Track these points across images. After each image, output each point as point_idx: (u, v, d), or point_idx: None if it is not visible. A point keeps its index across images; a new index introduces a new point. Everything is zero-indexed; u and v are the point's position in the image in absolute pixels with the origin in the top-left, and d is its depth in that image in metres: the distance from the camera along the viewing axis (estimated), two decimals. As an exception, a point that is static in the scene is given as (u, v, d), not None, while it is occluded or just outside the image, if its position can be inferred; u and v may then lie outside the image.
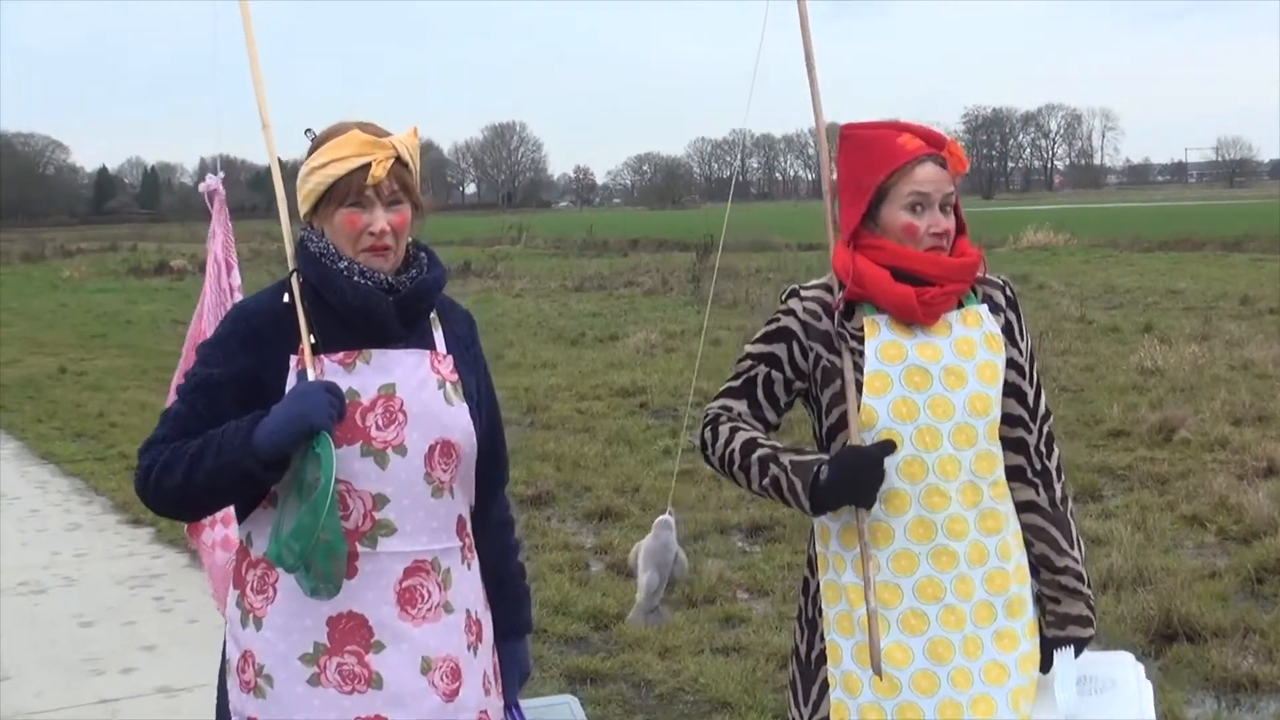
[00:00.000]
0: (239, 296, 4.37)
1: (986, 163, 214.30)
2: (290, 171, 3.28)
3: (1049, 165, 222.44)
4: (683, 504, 10.08)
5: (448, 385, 3.18)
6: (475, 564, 3.31)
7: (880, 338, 3.27)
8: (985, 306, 3.35)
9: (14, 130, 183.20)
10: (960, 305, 3.32)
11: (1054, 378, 14.80)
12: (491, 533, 3.42)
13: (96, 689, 6.81)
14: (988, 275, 3.41)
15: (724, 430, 3.39)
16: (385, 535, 3.06)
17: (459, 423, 3.16)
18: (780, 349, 3.39)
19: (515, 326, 23.41)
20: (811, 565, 3.45)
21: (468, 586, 3.24)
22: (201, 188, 4.37)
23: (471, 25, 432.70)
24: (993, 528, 3.25)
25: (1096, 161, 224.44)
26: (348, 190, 3.06)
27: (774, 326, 3.41)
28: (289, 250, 3.22)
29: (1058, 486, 3.35)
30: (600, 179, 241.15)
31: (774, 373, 3.41)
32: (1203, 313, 21.32)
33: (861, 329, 3.29)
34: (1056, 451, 3.39)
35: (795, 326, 3.37)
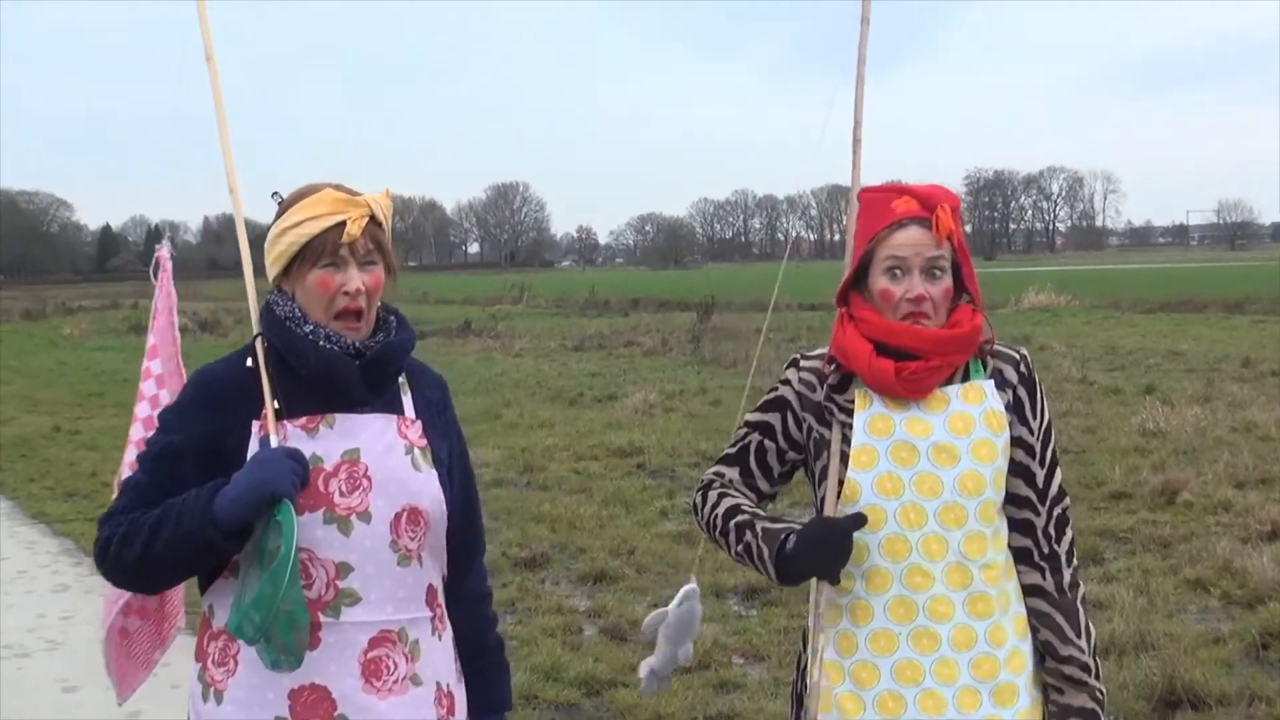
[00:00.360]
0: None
1: (988, 224, 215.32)
2: (258, 235, 3.20)
3: (1050, 227, 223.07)
4: (679, 566, 9.96)
5: (416, 451, 3.09)
6: (448, 635, 3.21)
7: (870, 411, 3.19)
8: (992, 382, 3.21)
9: (17, 188, 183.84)
10: (966, 379, 3.20)
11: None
12: (467, 605, 3.33)
13: (77, 755, 6.66)
14: (1000, 347, 3.25)
15: (712, 495, 3.37)
16: (349, 605, 2.96)
17: (427, 489, 3.08)
18: (775, 419, 3.37)
19: (514, 386, 23.30)
20: (805, 638, 3.35)
21: (438, 658, 3.14)
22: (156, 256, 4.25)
23: (477, 92, 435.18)
24: (983, 612, 3.13)
25: (1098, 223, 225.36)
26: (322, 249, 3.00)
27: (772, 396, 3.39)
28: (253, 314, 3.15)
29: (1066, 572, 3.20)
30: (603, 239, 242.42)
31: (767, 441, 3.38)
32: (1205, 374, 21.22)
33: (853, 401, 3.22)
34: (1069, 535, 3.24)
35: (791, 397, 3.34)
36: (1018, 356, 3.26)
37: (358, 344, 3.04)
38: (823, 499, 3.24)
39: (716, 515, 3.30)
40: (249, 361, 3.06)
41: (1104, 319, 38.51)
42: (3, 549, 11.61)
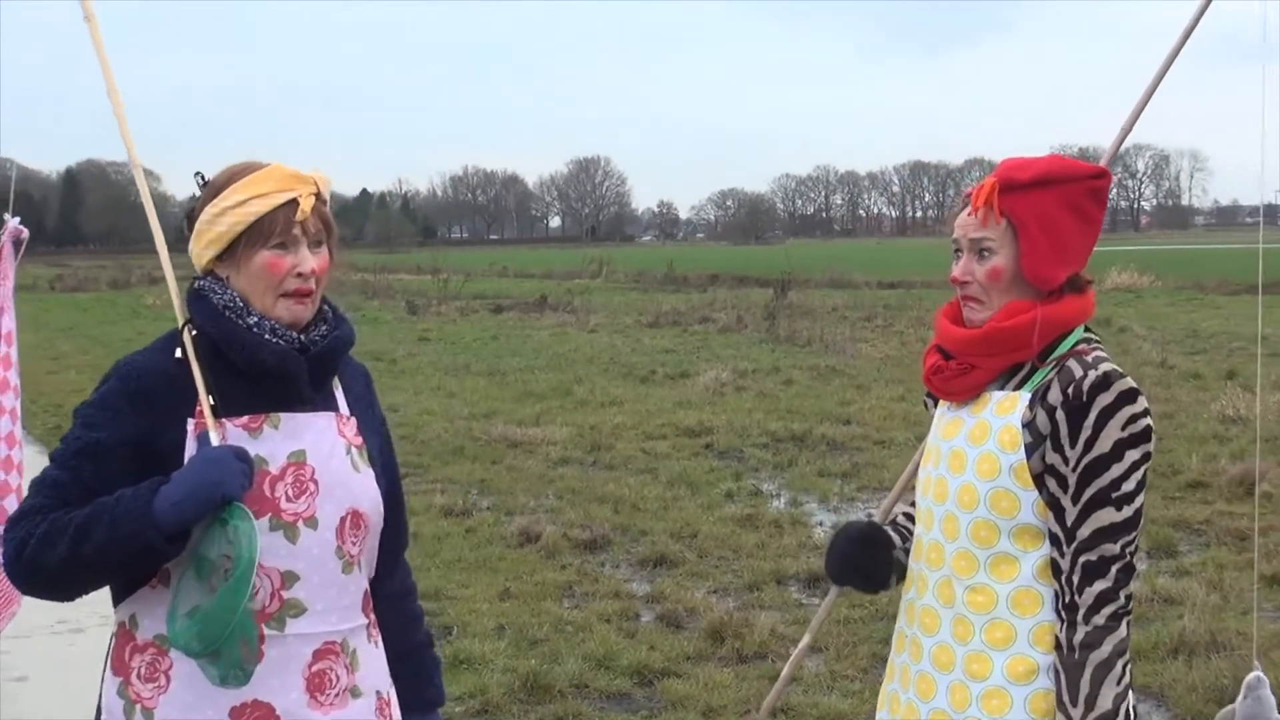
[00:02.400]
0: (11, 345, 4.04)
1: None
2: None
3: (1135, 205, 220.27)
4: (741, 551, 9.83)
5: (354, 450, 2.95)
6: (379, 639, 3.07)
7: (938, 409, 3.14)
8: (1030, 396, 2.88)
9: (107, 159, 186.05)
10: (1022, 385, 2.93)
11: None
12: (395, 604, 3.19)
13: (123, 736, 6.61)
14: (1072, 362, 2.87)
15: None
16: (294, 616, 2.81)
17: (367, 491, 2.94)
18: None
19: (586, 362, 23.21)
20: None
21: (375, 665, 3.01)
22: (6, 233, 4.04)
23: (560, 66, 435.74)
24: (963, 636, 2.92)
25: (1184, 202, 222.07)
26: (272, 229, 2.81)
27: None
28: (175, 301, 2.95)
29: (1081, 628, 2.79)
30: (684, 214, 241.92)
31: None
32: (1290, 359, 20.78)
33: None
34: (1097, 587, 2.79)
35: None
36: (1079, 375, 2.83)
37: (302, 338, 2.88)
38: None
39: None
40: (177, 353, 2.84)
41: (1187, 300, 37.93)
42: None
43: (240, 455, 2.71)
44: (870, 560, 3.15)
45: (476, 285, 48.72)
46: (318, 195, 2.88)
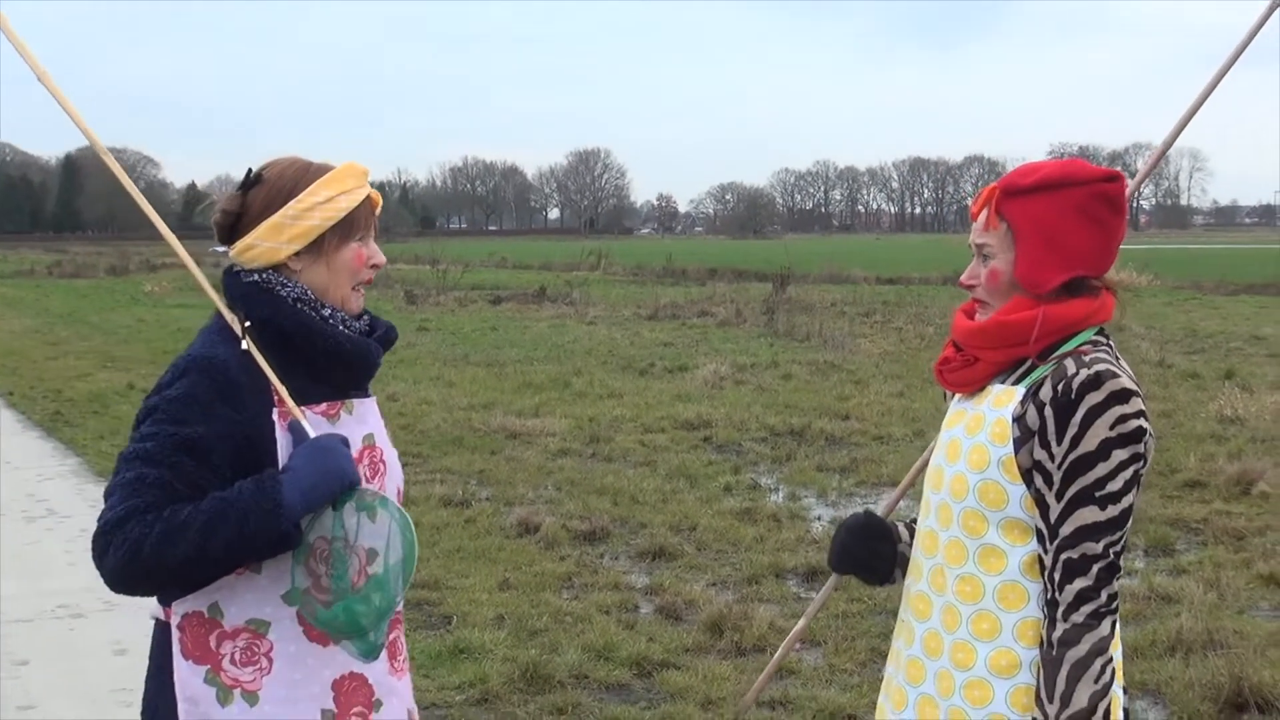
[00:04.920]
0: None
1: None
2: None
3: (1135, 205, 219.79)
4: (740, 544, 9.85)
5: (386, 431, 3.16)
6: None
7: (952, 399, 3.19)
8: (1024, 391, 2.90)
9: (106, 145, 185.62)
10: (1021, 380, 2.95)
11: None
12: None
13: (123, 721, 6.64)
14: (1069, 360, 2.88)
15: None
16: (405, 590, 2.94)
17: (400, 469, 3.17)
18: None
19: (585, 354, 23.22)
20: None
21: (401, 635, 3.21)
22: None
23: (561, 58, 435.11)
24: (951, 625, 2.95)
25: (1183, 202, 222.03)
26: (359, 223, 2.96)
27: None
28: (213, 294, 2.97)
29: (1060, 625, 2.79)
30: (683, 207, 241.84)
31: None
32: (1287, 360, 20.80)
33: None
34: (1077, 585, 2.79)
35: None
36: (1071, 373, 2.83)
37: (361, 326, 3.04)
38: None
39: None
40: (243, 345, 2.87)
41: (1186, 300, 37.94)
42: (69, 506, 11.68)
43: (344, 442, 2.83)
44: (868, 551, 3.22)
45: (475, 276, 48.65)
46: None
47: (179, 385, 2.84)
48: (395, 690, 3.01)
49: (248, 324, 2.89)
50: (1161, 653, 7.24)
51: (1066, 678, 2.77)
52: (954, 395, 3.15)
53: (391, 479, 3.06)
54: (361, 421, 2.99)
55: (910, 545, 3.20)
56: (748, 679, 6.94)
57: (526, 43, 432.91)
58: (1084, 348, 2.90)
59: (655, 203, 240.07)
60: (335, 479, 2.76)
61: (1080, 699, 2.76)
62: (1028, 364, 2.95)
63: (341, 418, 2.95)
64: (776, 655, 3.59)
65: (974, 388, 3.02)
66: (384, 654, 2.97)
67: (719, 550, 9.79)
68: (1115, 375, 2.80)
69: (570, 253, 68.88)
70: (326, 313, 2.95)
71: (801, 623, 3.57)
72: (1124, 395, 2.78)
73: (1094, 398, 2.78)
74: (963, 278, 3.05)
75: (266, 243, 2.93)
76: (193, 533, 2.68)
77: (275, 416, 2.86)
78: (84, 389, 19.54)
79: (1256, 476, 11.47)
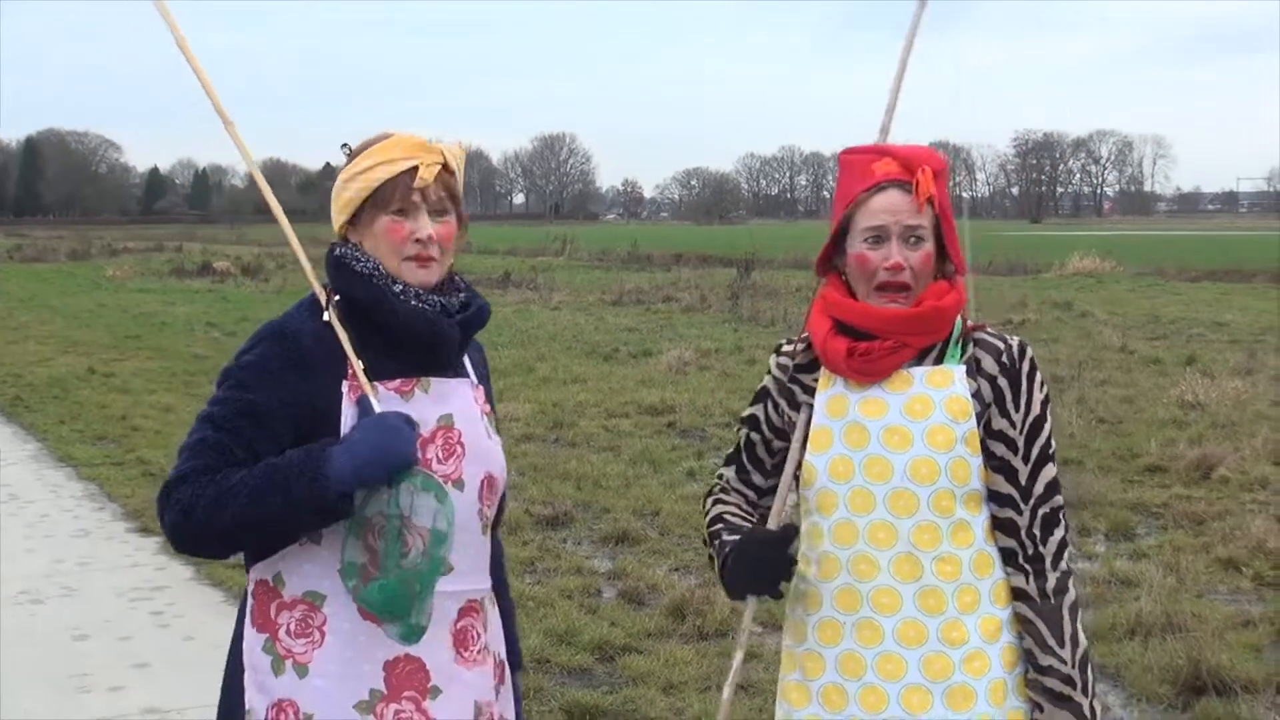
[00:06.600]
0: None
1: (1036, 187, 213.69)
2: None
3: (1099, 191, 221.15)
4: (702, 529, 9.84)
5: (485, 418, 3.07)
6: (495, 604, 3.19)
7: (830, 391, 3.08)
8: (963, 368, 3.01)
9: (68, 128, 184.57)
10: (939, 360, 3.03)
11: (1091, 409, 14.51)
12: (493, 568, 3.25)
13: (82, 707, 6.59)
14: (987, 335, 3.07)
15: (709, 503, 3.32)
16: (443, 574, 2.86)
17: (498, 458, 3.09)
18: (759, 410, 3.27)
19: (549, 339, 23.19)
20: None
21: (496, 628, 3.14)
22: None
23: (525, 41, 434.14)
24: (934, 607, 2.96)
25: (1147, 189, 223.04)
26: (393, 194, 2.89)
27: (758, 387, 3.30)
28: (304, 263, 2.99)
29: (1051, 576, 2.98)
30: (648, 192, 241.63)
31: (753, 434, 3.28)
32: (1248, 346, 20.90)
33: (818, 380, 3.11)
34: (1057, 536, 3.01)
35: (770, 385, 3.25)
36: (1003, 346, 3.04)
37: (445, 303, 2.96)
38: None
39: (706, 524, 3.26)
40: (324, 316, 2.90)
41: (1149, 286, 38.05)
42: (28, 491, 11.60)
43: (409, 421, 2.79)
44: (788, 563, 3.01)
45: (440, 261, 48.44)
46: (445, 166, 2.94)
47: (252, 353, 2.91)
48: (461, 679, 2.94)
49: (336, 298, 2.92)
50: (1120, 636, 7.27)
51: (1069, 620, 2.97)
52: (829, 385, 3.08)
53: (473, 464, 2.98)
54: (441, 401, 2.94)
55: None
56: (709, 663, 6.95)
57: (491, 27, 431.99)
58: (978, 324, 3.09)
59: (620, 188, 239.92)
60: (392, 456, 2.73)
61: (1081, 636, 2.98)
62: (938, 345, 3.04)
63: (416, 395, 2.91)
64: (727, 687, 3.33)
65: (889, 373, 3.01)
66: (448, 640, 2.93)
67: (682, 535, 9.79)
68: (1027, 344, 3.06)
69: (535, 238, 68.82)
70: (398, 288, 2.90)
71: (739, 654, 3.31)
72: (1036, 360, 3.07)
73: (1027, 366, 3.04)
74: (890, 263, 2.98)
75: (333, 215, 3.00)
76: (242, 498, 2.74)
77: (345, 389, 2.87)
78: (44, 374, 19.43)
79: (1217, 461, 11.52)
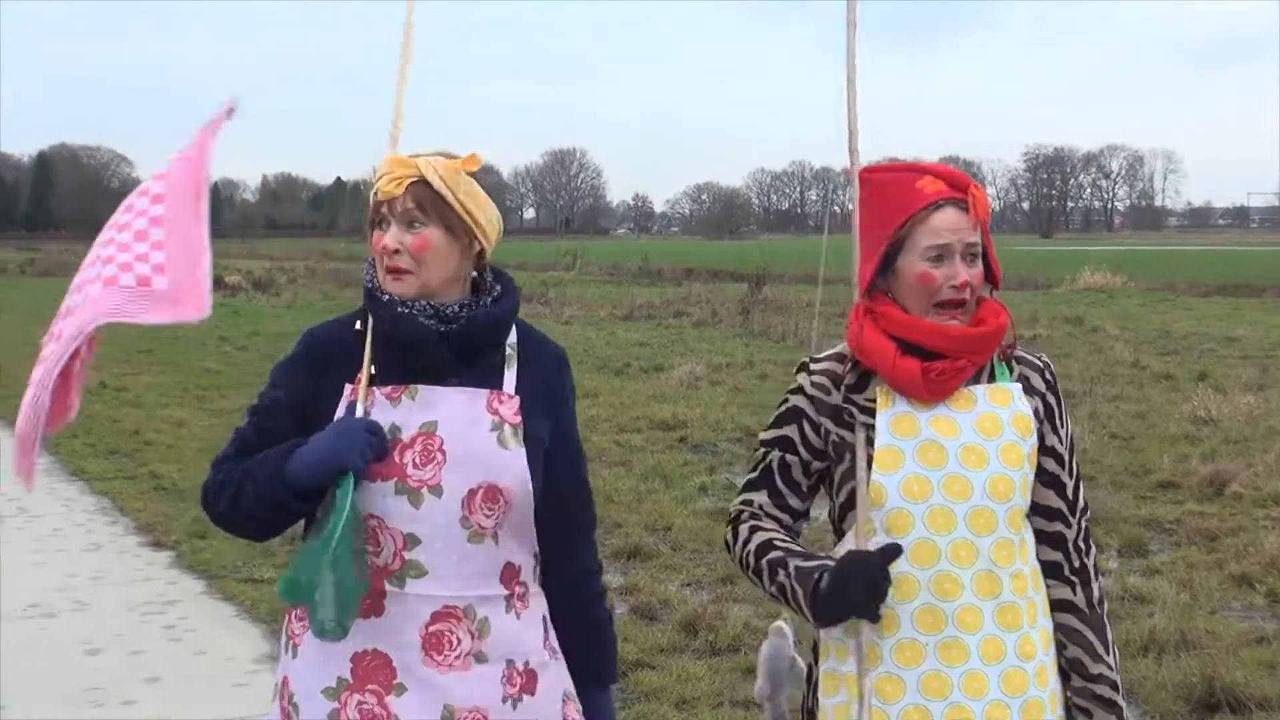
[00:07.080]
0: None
1: (1046, 202, 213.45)
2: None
3: (1109, 206, 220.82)
4: (714, 544, 9.84)
5: (506, 427, 3.03)
6: (530, 614, 3.14)
7: (893, 410, 3.00)
8: (1019, 386, 3.06)
9: (79, 143, 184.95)
10: (992, 379, 3.05)
11: (1104, 424, 14.49)
12: (569, 582, 3.25)
13: (93, 722, 6.61)
14: (1024, 353, 3.12)
15: (744, 530, 3.15)
16: (415, 577, 2.98)
17: (510, 468, 3.01)
18: (792, 430, 3.14)
19: (560, 354, 23.13)
20: (815, 650, 3.17)
21: (512, 636, 3.08)
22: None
23: (536, 57, 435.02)
24: (1012, 623, 2.96)
25: (1157, 203, 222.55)
26: (376, 211, 3.05)
27: (784, 408, 3.18)
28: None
29: (1095, 586, 3.08)
30: (659, 207, 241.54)
31: (789, 456, 3.15)
32: (1260, 361, 20.88)
33: (874, 400, 3.03)
34: (1094, 549, 3.14)
35: (804, 404, 3.13)
36: (1042, 364, 3.14)
37: (443, 312, 3.02)
38: (840, 505, 3.10)
39: (749, 553, 3.09)
40: (358, 325, 3.10)
41: (1159, 301, 38.02)
42: (40, 505, 11.60)
43: (371, 428, 2.94)
44: (888, 584, 2.89)
45: (451, 276, 48.50)
46: (421, 179, 3.00)
47: (291, 352, 3.17)
48: (432, 682, 2.98)
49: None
50: (1134, 653, 7.25)
51: (1111, 629, 3.08)
52: (890, 404, 3.02)
53: (459, 472, 2.96)
54: (427, 408, 3.00)
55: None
56: (722, 679, 6.95)
57: (503, 40, 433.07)
58: (1010, 341, 3.08)
59: (631, 203, 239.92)
60: (331, 458, 2.88)
61: (1115, 648, 3.09)
62: (987, 364, 3.07)
63: (403, 402, 3.01)
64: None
65: (953, 393, 3.01)
66: (417, 642, 2.98)
67: (694, 550, 9.78)
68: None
69: (546, 252, 68.81)
70: (386, 298, 3.03)
71: (870, 679, 3.04)
72: None
73: (1059, 383, 3.13)
74: (958, 281, 2.96)
75: None
76: (232, 487, 3.00)
77: (346, 392, 3.05)
78: (56, 388, 19.40)
79: (1229, 477, 11.50)
